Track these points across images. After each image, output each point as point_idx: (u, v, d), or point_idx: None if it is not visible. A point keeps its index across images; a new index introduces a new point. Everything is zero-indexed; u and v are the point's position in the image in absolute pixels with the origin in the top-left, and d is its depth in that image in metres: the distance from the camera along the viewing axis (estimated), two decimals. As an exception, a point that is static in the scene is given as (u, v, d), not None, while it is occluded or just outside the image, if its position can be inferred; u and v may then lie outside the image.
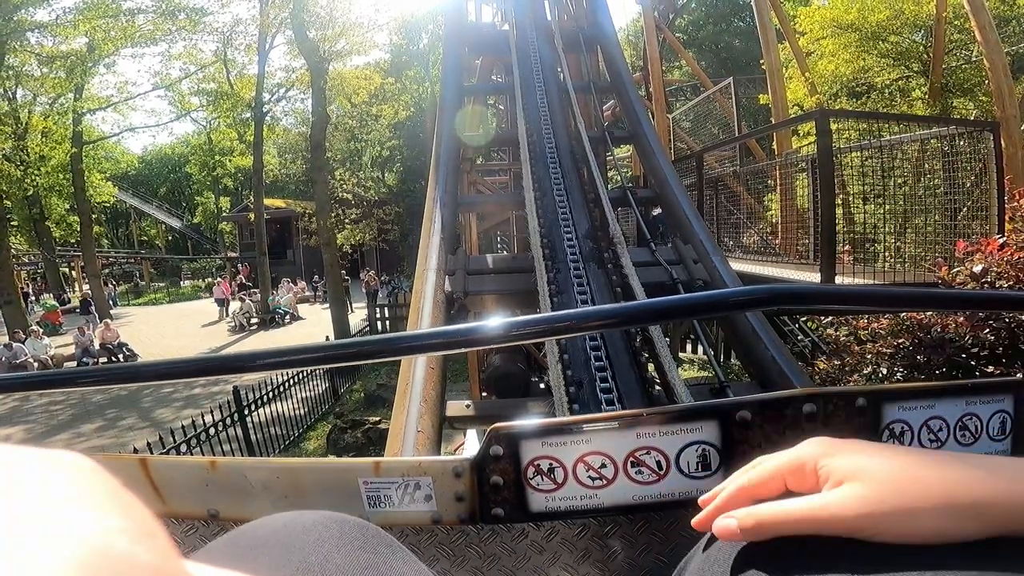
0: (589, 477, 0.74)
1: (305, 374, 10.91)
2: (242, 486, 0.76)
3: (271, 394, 9.51)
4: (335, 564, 0.44)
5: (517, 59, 6.13)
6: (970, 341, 3.39)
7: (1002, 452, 0.77)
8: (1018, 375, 0.83)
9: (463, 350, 0.71)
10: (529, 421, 0.74)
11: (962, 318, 3.40)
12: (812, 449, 0.45)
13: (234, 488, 0.76)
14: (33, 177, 20.32)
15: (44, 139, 20.86)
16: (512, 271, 4.18)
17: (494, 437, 0.74)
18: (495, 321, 0.67)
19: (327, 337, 12.18)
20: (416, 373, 3.05)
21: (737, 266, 5.24)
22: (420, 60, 27.71)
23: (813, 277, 4.64)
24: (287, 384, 10.24)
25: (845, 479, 0.41)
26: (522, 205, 4.28)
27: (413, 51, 28.13)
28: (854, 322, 4.97)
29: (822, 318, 5.25)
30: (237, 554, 0.46)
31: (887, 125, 6.20)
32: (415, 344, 0.69)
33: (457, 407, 3.57)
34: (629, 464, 0.73)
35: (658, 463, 0.73)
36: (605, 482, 0.74)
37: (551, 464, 0.74)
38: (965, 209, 5.46)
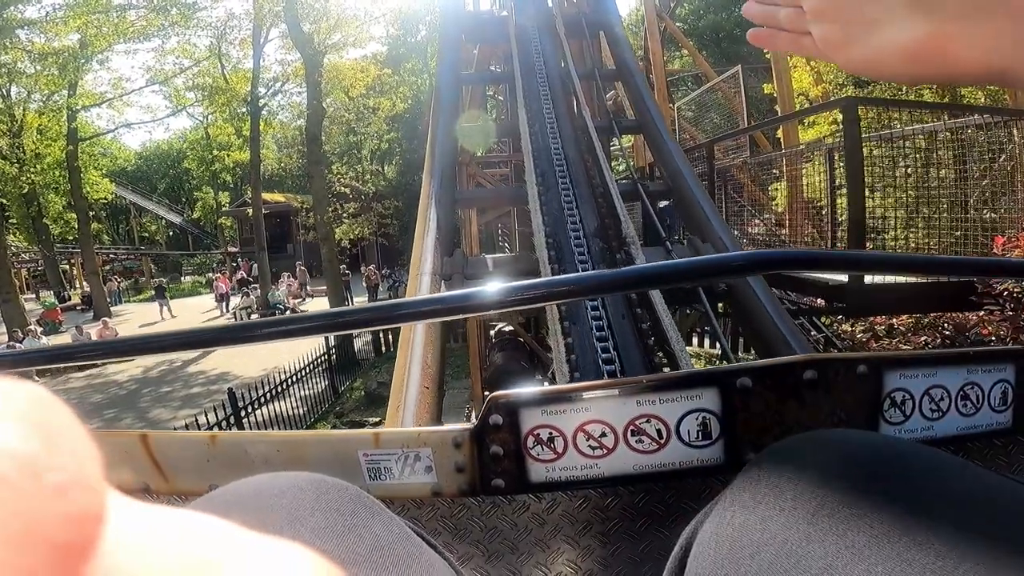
0: (589, 446, 0.73)
1: (305, 372, 10.78)
2: (242, 460, 0.76)
3: (270, 393, 9.38)
4: (309, 527, 0.43)
5: (517, 46, 5.84)
6: (1012, 344, 3.15)
7: (1003, 423, 0.77)
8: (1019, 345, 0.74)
9: (461, 316, 0.67)
10: (528, 389, 0.73)
11: (1004, 320, 3.16)
12: None
13: (235, 462, 0.76)
14: (29, 174, 20.18)
15: (39, 136, 20.70)
16: (514, 275, 3.87)
17: (493, 406, 0.73)
18: (493, 286, 0.63)
19: (325, 337, 11.99)
20: (415, 344, 3.02)
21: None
22: (418, 52, 27.37)
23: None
24: (287, 383, 10.10)
25: None
26: (525, 199, 4.00)
27: (411, 43, 27.76)
28: (871, 318, 4.76)
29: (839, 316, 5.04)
30: None
31: (897, 113, 5.94)
32: (413, 311, 0.66)
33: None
34: (629, 433, 0.72)
35: (658, 431, 0.72)
36: (605, 451, 0.73)
37: (551, 433, 0.73)
38: (995, 200, 5.22)
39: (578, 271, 3.29)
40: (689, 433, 0.72)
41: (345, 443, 0.75)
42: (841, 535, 0.38)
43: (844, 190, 6.61)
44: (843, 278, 4.09)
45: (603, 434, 0.72)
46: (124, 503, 0.17)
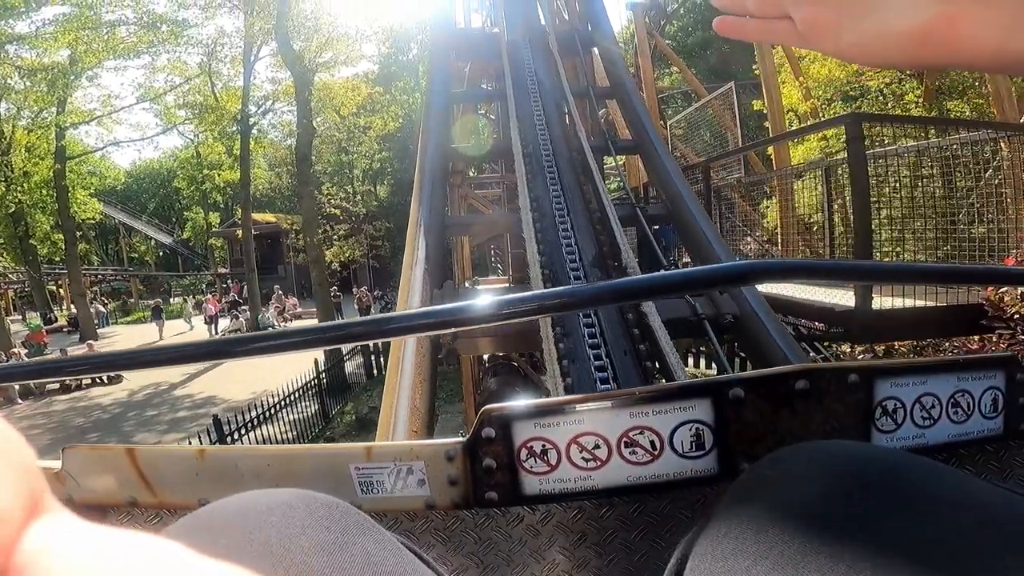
0: (583, 458, 0.73)
1: (295, 396, 10.58)
2: (232, 474, 0.75)
3: (259, 419, 9.17)
4: (299, 545, 0.43)
5: (509, 63, 5.68)
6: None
7: (994, 429, 0.78)
8: (1008, 351, 0.75)
9: (452, 330, 0.68)
10: (521, 402, 0.73)
11: (1015, 343, 3.02)
12: None
13: (224, 477, 0.75)
14: (15, 193, 19.92)
15: (28, 154, 20.47)
16: None
17: (486, 419, 0.73)
18: (484, 299, 0.63)
19: (315, 360, 11.82)
20: (406, 359, 2.97)
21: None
22: (409, 71, 27.41)
23: (845, 295, 4.27)
24: (276, 407, 9.89)
25: None
26: (518, 225, 3.79)
27: (402, 61, 27.80)
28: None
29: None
30: (195, 536, 0.44)
31: (882, 128, 5.90)
32: (404, 325, 0.66)
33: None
34: (623, 444, 0.72)
35: (652, 443, 0.72)
36: (599, 463, 0.73)
37: (544, 446, 0.73)
38: (989, 216, 5.15)
39: (588, 356, 3.10)
40: (683, 444, 0.72)
41: (336, 457, 0.74)
42: (836, 548, 0.38)
43: (838, 207, 6.57)
44: (850, 303, 3.93)
45: (596, 446, 0.72)
46: (75, 529, 0.17)
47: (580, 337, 3.05)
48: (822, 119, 13.34)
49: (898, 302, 3.87)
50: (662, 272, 0.79)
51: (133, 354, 0.68)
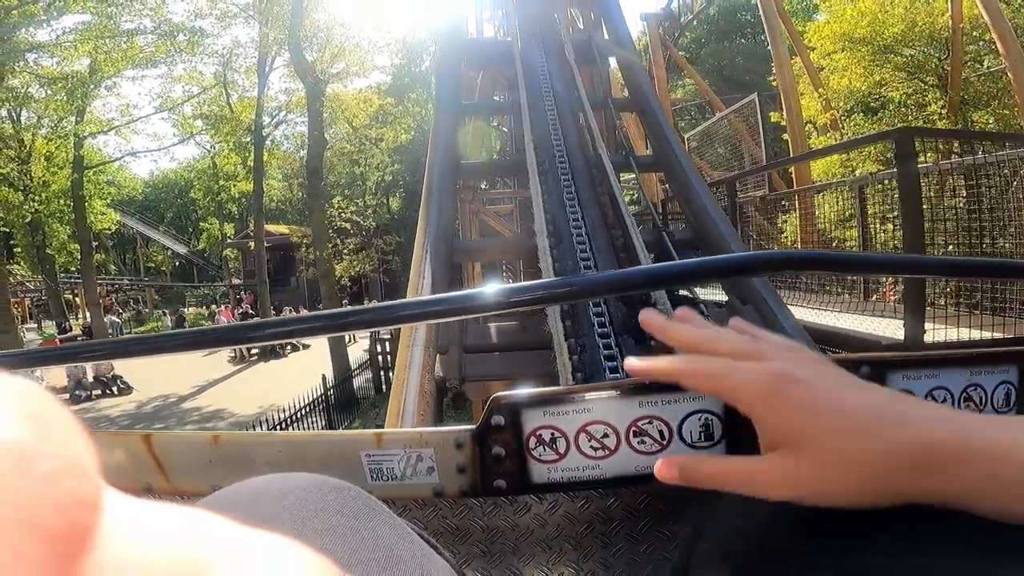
0: (591, 447, 0.72)
1: (303, 411, 10.43)
2: (245, 460, 0.76)
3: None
4: (312, 528, 0.43)
5: (523, 70, 5.38)
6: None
7: None
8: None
9: (462, 317, 0.69)
10: (530, 390, 0.73)
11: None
12: (768, 381, 0.40)
13: (238, 463, 0.76)
14: (33, 203, 20.07)
15: (47, 163, 20.63)
16: (523, 347, 3.30)
17: (495, 407, 0.73)
18: (493, 287, 0.65)
19: (323, 376, 11.65)
20: (415, 347, 2.93)
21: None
22: (422, 82, 27.34)
23: (891, 325, 3.93)
24: (283, 423, 9.73)
25: (781, 444, 0.39)
26: (533, 250, 3.45)
27: (415, 73, 27.75)
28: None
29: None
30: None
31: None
32: (414, 312, 0.67)
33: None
34: (631, 433, 0.71)
35: (661, 432, 0.71)
36: (607, 452, 0.72)
37: (553, 434, 0.72)
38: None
39: (598, 344, 2.80)
40: (691, 434, 0.71)
41: (347, 444, 0.74)
42: (844, 538, 0.38)
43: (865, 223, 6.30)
44: (899, 335, 3.60)
45: (605, 435, 0.72)
46: (119, 498, 0.17)
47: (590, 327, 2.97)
48: (843, 130, 13.02)
49: (952, 334, 3.54)
50: (662, 263, 0.73)
51: (151, 340, 0.68)
